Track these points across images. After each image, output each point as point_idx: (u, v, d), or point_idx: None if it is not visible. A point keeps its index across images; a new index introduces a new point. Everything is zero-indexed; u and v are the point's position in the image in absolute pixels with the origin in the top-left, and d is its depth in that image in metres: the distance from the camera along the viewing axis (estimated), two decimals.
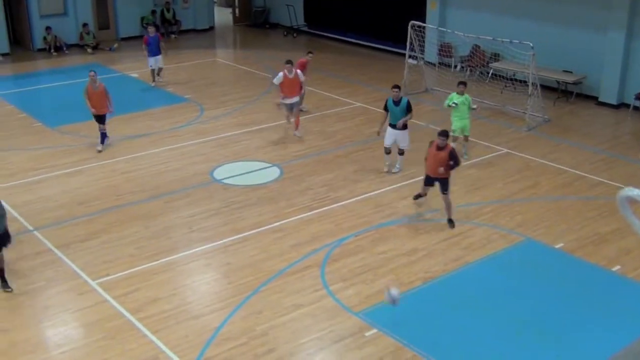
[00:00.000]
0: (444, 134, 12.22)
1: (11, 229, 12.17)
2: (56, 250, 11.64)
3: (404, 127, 14.31)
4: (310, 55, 18.53)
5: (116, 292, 10.47)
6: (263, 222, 12.70)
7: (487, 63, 21.16)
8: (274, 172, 15.05)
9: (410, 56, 20.64)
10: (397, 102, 14.19)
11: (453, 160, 12.16)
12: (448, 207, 12.48)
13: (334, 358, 9.06)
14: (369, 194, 13.82)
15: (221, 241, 12.05)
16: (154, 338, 9.41)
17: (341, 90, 20.92)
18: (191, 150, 16.32)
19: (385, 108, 14.43)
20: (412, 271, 11.08)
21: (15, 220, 12.68)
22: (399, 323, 9.69)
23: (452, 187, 12.66)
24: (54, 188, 14.24)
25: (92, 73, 15.96)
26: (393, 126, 14.30)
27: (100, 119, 16.03)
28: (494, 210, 13.15)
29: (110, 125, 16.46)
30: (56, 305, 10.27)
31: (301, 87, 17.00)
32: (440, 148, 12.15)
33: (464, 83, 15.25)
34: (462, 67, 22.37)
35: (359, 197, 13.70)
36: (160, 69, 21.42)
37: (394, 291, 9.08)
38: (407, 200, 13.46)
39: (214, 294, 10.56)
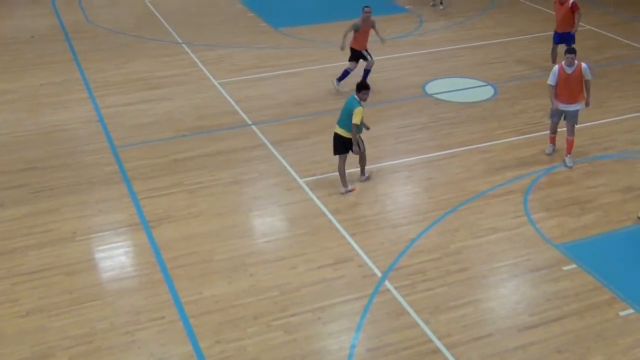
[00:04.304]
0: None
1: (232, 122, 13.02)
2: (270, 146, 12.32)
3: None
4: None
5: (320, 192, 10.94)
6: (471, 141, 12.50)
7: None
8: (488, 92, 14.64)
9: None
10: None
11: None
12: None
13: (528, 287, 8.89)
14: (586, 124, 13.04)
15: (426, 155, 12.07)
16: (351, 240, 9.78)
17: None
18: (406, 62, 16.28)
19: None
20: (623, 210, 10.42)
21: (237, 113, 13.59)
22: (602, 262, 9.25)
23: None
24: (273, 87, 14.96)
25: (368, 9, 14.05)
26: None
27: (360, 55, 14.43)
28: None
29: (327, 31, 16.72)
30: (265, 197, 10.96)
31: None
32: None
33: None
34: None
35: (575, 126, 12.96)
36: None
37: None
38: (630, 134, 12.57)
39: (413, 206, 10.68)
